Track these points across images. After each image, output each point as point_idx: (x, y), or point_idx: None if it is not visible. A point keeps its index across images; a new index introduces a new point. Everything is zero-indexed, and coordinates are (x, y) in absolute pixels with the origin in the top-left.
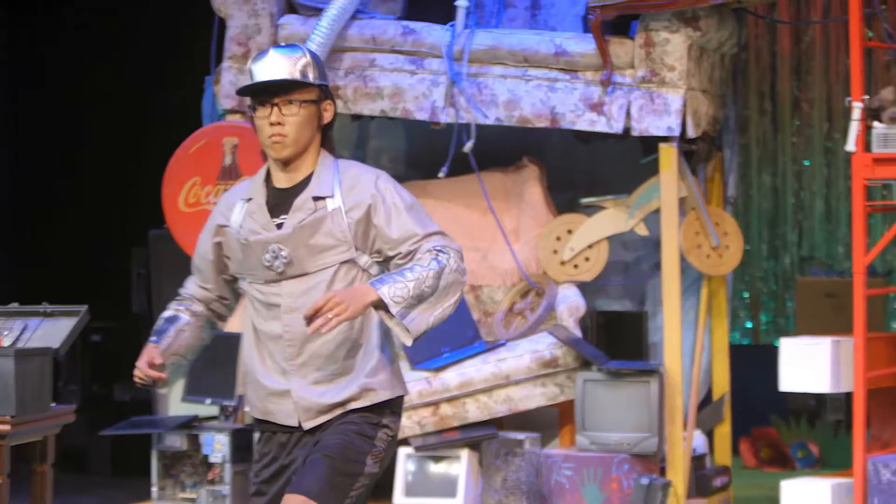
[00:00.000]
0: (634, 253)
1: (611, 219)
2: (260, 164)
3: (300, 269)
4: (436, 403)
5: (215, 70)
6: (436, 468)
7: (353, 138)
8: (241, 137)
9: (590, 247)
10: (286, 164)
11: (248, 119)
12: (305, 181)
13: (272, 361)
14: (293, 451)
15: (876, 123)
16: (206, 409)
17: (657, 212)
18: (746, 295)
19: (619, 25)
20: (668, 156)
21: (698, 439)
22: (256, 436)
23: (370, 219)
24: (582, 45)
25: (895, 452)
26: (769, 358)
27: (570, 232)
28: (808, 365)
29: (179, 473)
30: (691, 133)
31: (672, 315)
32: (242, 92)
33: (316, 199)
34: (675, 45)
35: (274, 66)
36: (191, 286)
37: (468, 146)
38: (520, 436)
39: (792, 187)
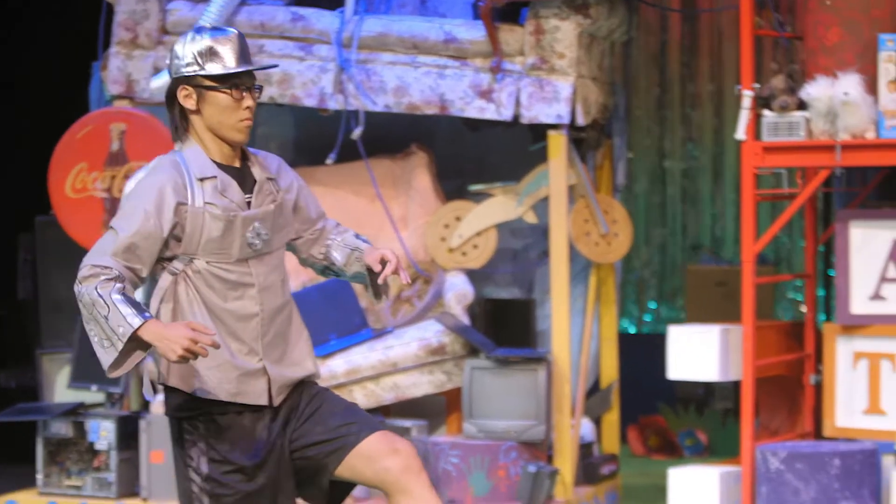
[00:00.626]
0: (523, 240)
1: (499, 206)
2: (149, 150)
3: (268, 247)
4: None
5: (103, 55)
6: None
7: None
8: (129, 123)
9: (478, 234)
10: (234, 146)
11: (136, 105)
12: (244, 163)
13: (238, 342)
14: (269, 426)
15: (766, 112)
16: (93, 395)
17: (546, 199)
18: (635, 283)
19: (508, 13)
20: (558, 143)
21: (586, 427)
22: (201, 412)
23: (298, 200)
24: (471, 32)
25: (783, 441)
26: (657, 346)
27: (458, 219)
28: (696, 353)
29: (65, 461)
30: (581, 121)
31: (560, 303)
32: (226, 76)
33: (269, 179)
34: (564, 32)
35: (247, 52)
36: (115, 265)
37: (356, 133)
38: (407, 423)
39: (681, 175)
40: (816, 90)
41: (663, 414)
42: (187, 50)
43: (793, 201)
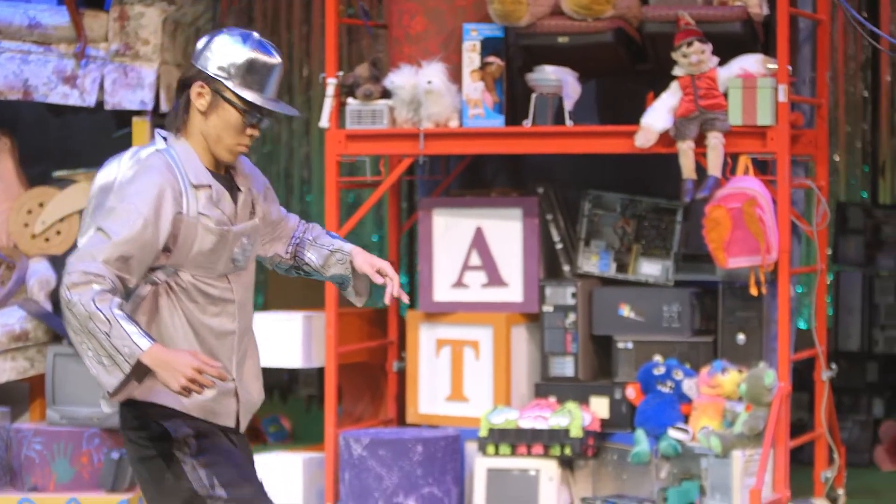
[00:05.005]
0: None
1: (82, 193)
2: None
3: (248, 262)
4: None
5: None
6: None
7: None
8: None
9: (61, 220)
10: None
11: None
12: (228, 170)
13: (215, 360)
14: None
15: (350, 100)
16: None
17: None
18: None
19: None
20: (141, 130)
21: None
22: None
23: (267, 204)
24: (56, 18)
25: (366, 427)
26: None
27: (41, 205)
28: (280, 340)
29: None
30: (165, 107)
31: None
32: (255, 108)
33: (248, 188)
34: (149, 18)
35: (278, 85)
36: (108, 273)
37: None
38: None
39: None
40: (400, 79)
41: None
42: (226, 52)
43: (376, 189)
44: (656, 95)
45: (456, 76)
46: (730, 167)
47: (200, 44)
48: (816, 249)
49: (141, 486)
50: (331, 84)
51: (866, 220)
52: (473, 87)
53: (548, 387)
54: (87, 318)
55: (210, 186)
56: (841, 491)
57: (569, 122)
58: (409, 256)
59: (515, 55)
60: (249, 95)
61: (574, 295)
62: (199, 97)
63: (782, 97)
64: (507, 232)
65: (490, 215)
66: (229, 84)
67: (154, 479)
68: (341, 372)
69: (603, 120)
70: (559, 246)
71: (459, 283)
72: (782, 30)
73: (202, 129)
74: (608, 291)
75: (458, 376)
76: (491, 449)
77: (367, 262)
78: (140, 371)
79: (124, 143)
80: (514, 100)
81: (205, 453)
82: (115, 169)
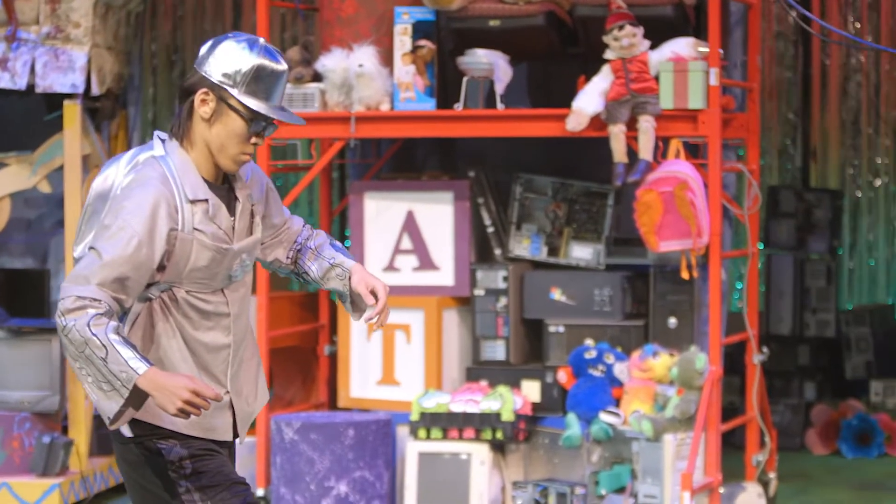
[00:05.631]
0: (37, 210)
1: (13, 176)
2: None
3: (246, 274)
4: None
5: None
6: None
7: None
8: None
9: None
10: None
11: None
12: (227, 179)
13: (208, 374)
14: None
15: None
16: None
17: (61, 169)
18: None
19: None
20: (72, 113)
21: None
22: (180, 450)
23: (268, 208)
24: None
25: (298, 411)
26: None
27: None
28: None
29: None
30: (96, 90)
31: None
32: (261, 116)
33: (248, 196)
34: (80, 1)
35: (283, 92)
36: (103, 297)
37: None
38: None
39: None
40: (332, 62)
41: None
42: (232, 59)
43: (307, 173)
44: (588, 79)
45: (387, 59)
46: (661, 151)
47: (204, 49)
48: (748, 233)
49: (132, 498)
50: None
51: (798, 204)
52: (405, 70)
53: (479, 371)
54: (84, 343)
55: (206, 201)
56: (772, 474)
57: (500, 106)
58: (341, 240)
59: (447, 38)
60: (255, 104)
61: (505, 279)
62: (203, 104)
63: (713, 81)
64: (438, 216)
65: (421, 199)
66: (234, 92)
67: (146, 500)
68: (273, 356)
69: (534, 103)
70: (490, 230)
71: (391, 267)
72: (713, 13)
73: (205, 137)
74: (539, 275)
75: (390, 360)
76: (422, 433)
77: (363, 282)
78: (138, 396)
79: (55, 127)
80: (446, 83)
81: (200, 476)
82: (113, 174)
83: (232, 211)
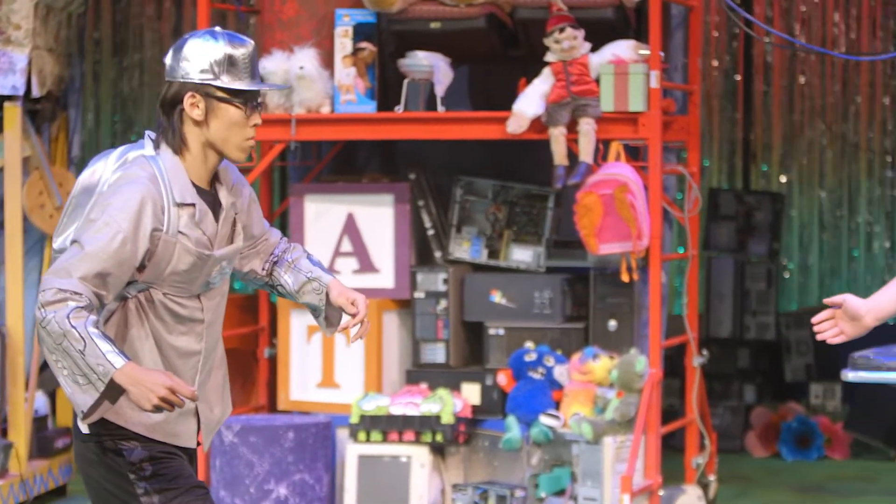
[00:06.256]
0: None
1: None
2: None
3: (223, 282)
4: None
5: None
6: None
7: None
8: None
9: None
10: (216, 167)
11: None
12: (214, 183)
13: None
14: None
15: None
16: None
17: (0, 171)
18: None
19: None
20: (13, 115)
21: (40, 401)
22: (140, 452)
23: (249, 218)
24: None
25: (237, 414)
26: None
27: None
28: None
29: None
30: (36, 92)
31: (14, 276)
32: (239, 92)
33: (232, 203)
34: (21, 3)
35: (258, 65)
36: (84, 290)
37: None
38: None
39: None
40: (272, 64)
41: None
42: (202, 55)
43: (247, 175)
44: (528, 81)
45: (328, 62)
46: (601, 153)
47: (170, 58)
48: (688, 235)
49: (92, 501)
50: None
51: (738, 207)
52: (345, 72)
53: (419, 373)
54: (62, 335)
55: (194, 206)
56: (712, 477)
57: (440, 108)
58: None
59: (387, 41)
60: (238, 83)
61: (445, 281)
62: (194, 107)
63: (654, 83)
64: (378, 218)
65: (362, 201)
66: (218, 83)
67: (105, 499)
68: None
69: (475, 106)
70: (431, 232)
71: (331, 270)
72: (654, 16)
73: (205, 138)
74: (480, 278)
75: (330, 363)
76: (362, 435)
77: (343, 296)
78: (114, 390)
79: None
80: (386, 86)
81: (159, 479)
82: (101, 168)
83: (216, 217)
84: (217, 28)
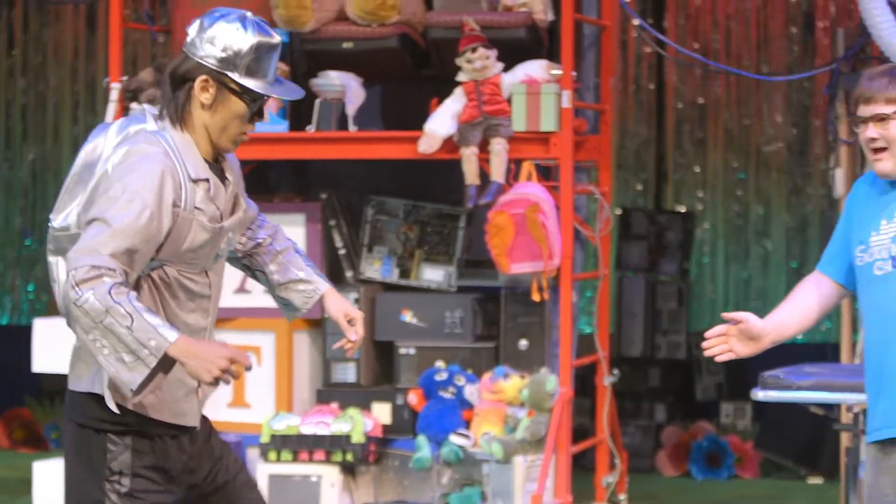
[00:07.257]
0: None
1: None
2: None
3: (225, 255)
4: None
5: None
6: None
7: None
8: None
9: None
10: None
11: None
12: (215, 157)
13: None
14: (188, 452)
15: (134, 105)
16: None
17: None
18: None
19: None
20: None
21: None
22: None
23: (239, 187)
24: None
25: None
26: (25, 338)
27: None
28: (60, 345)
29: None
30: None
31: None
32: (255, 94)
33: (236, 182)
34: None
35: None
36: (117, 267)
37: None
38: None
39: (66, 162)
40: None
41: (29, 406)
42: (228, 41)
43: None
44: (440, 101)
45: None
46: (513, 173)
47: (194, 31)
48: (599, 255)
49: (65, 479)
50: (115, 89)
51: (650, 226)
52: None
53: (330, 393)
54: (104, 312)
55: (208, 181)
56: (623, 496)
57: (352, 128)
58: None
59: (300, 60)
60: (256, 85)
61: (357, 301)
62: (204, 91)
63: (566, 103)
64: (290, 237)
65: (273, 221)
66: (235, 76)
67: (76, 490)
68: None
69: (387, 125)
70: (342, 251)
71: (241, 289)
72: (566, 36)
73: (205, 121)
74: (390, 297)
75: (240, 382)
76: (273, 455)
77: (341, 311)
78: (165, 364)
79: None
80: (299, 105)
81: (132, 501)
82: (102, 143)
83: (225, 191)
84: (249, 14)
